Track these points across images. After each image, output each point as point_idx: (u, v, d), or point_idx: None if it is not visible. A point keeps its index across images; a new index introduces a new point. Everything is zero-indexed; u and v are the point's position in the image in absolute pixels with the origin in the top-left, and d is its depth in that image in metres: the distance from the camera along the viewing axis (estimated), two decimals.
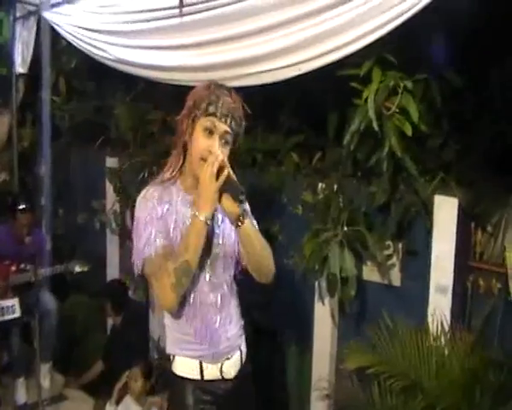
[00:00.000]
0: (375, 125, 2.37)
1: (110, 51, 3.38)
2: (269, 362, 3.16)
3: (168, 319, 1.94)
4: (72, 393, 3.98)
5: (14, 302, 3.48)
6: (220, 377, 1.95)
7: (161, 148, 3.60)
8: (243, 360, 2.02)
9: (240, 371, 2.00)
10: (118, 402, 3.43)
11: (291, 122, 3.23)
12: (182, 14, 2.80)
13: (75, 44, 3.74)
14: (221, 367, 1.94)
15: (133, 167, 3.76)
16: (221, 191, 1.74)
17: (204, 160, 1.76)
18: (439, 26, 2.47)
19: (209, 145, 1.78)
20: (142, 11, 3.07)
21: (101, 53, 3.48)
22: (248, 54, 2.61)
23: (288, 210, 3.06)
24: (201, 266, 1.87)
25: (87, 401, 3.88)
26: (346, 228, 2.62)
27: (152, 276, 1.79)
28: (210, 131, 1.79)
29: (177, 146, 1.89)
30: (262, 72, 2.60)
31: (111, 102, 4.12)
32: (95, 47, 3.52)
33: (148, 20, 3.04)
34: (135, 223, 1.84)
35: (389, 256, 2.67)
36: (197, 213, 1.74)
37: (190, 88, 2.89)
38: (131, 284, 3.70)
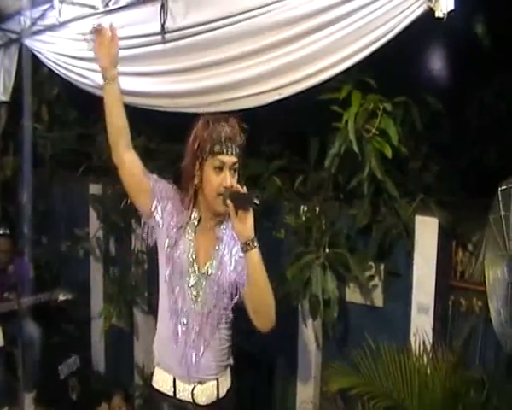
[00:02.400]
0: (355, 147, 2.40)
1: (92, 78, 3.39)
2: (253, 385, 3.14)
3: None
4: None
5: None
6: (191, 400, 2.00)
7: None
8: (220, 391, 2.04)
9: (215, 402, 2.03)
10: None
11: (273, 147, 3.26)
12: (164, 41, 2.83)
13: (57, 72, 3.76)
14: (192, 390, 2.00)
15: (116, 194, 3.75)
16: (236, 208, 1.80)
17: (220, 194, 1.88)
18: (418, 49, 2.53)
19: (222, 181, 1.89)
20: (123, 38, 3.10)
21: (83, 80, 3.49)
22: (229, 79, 2.64)
23: (271, 234, 3.07)
24: (186, 277, 1.98)
25: None
26: (328, 250, 2.64)
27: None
28: (219, 168, 1.89)
29: (186, 189, 1.99)
30: (243, 97, 2.62)
31: (93, 129, 4.13)
32: (77, 74, 3.53)
33: (129, 47, 3.07)
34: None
35: (371, 277, 2.68)
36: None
37: (173, 114, 2.94)
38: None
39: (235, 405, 2.14)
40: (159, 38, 2.86)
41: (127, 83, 3.18)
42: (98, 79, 3.36)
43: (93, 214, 4.16)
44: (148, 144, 3.70)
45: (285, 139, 3.23)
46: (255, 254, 1.84)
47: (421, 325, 2.48)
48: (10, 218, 4.52)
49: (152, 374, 2.11)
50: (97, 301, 4.22)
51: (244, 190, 1.85)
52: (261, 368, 3.18)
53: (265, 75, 2.51)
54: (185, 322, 1.98)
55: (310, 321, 2.81)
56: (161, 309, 2.05)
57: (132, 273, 3.79)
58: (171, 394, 2.02)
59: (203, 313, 1.99)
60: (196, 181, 1.96)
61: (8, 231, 3.83)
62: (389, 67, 2.46)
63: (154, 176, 2.09)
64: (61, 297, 3.86)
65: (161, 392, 2.04)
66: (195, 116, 2.89)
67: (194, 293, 1.99)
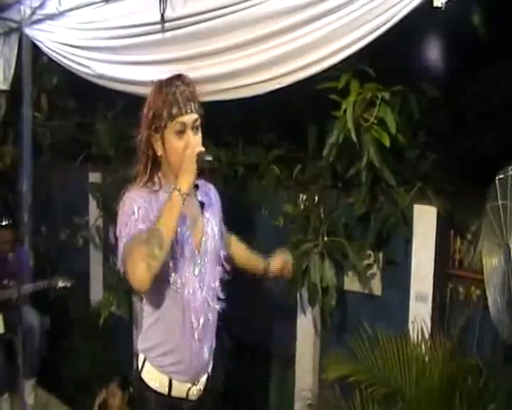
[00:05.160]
0: (353, 136, 2.41)
1: (92, 67, 3.40)
2: (252, 374, 3.16)
3: (150, 324, 1.95)
4: (57, 409, 3.94)
5: None
6: (184, 397, 1.98)
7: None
8: (208, 382, 2.04)
9: (203, 394, 2.03)
10: None
11: (271, 136, 3.27)
12: (163, 30, 2.83)
13: (57, 61, 3.76)
14: (188, 390, 1.97)
15: (116, 183, 3.76)
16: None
17: None
18: (416, 38, 2.54)
19: (185, 144, 1.81)
20: (123, 27, 3.10)
21: (83, 69, 3.49)
22: (228, 68, 2.64)
23: (269, 223, 3.08)
24: (189, 263, 1.89)
25: None
26: (326, 238, 2.65)
27: (126, 257, 1.72)
28: (181, 131, 1.82)
29: (145, 166, 1.91)
30: (242, 86, 2.63)
31: (93, 118, 4.13)
32: (77, 63, 3.54)
33: (129, 36, 3.07)
34: (119, 219, 1.82)
35: (369, 266, 2.69)
36: (176, 187, 1.74)
37: None
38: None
39: (214, 392, 2.13)
40: (158, 27, 2.86)
41: (126, 72, 3.20)
42: (98, 67, 3.38)
43: (93, 203, 4.16)
44: None
45: (283, 128, 3.24)
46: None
47: (419, 313, 2.49)
48: (10, 206, 4.54)
49: (141, 367, 1.98)
50: (97, 290, 4.24)
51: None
52: (259, 356, 3.20)
53: (265, 64, 2.52)
54: (195, 317, 1.92)
55: (308, 309, 2.83)
56: (159, 296, 1.91)
57: None
58: (164, 393, 1.95)
59: (207, 298, 1.96)
60: (160, 152, 1.86)
61: (10, 222, 3.84)
62: (386, 55, 2.47)
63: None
64: (61, 284, 3.87)
65: (153, 389, 1.95)
66: None
67: (200, 279, 1.92)
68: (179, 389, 1.95)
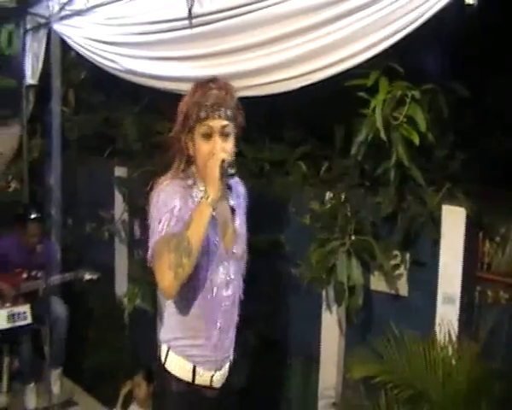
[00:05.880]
0: (382, 134, 2.38)
1: (120, 62, 3.43)
2: (275, 371, 3.16)
3: (174, 314, 1.95)
4: (81, 399, 4.01)
5: (25, 309, 3.53)
6: (208, 385, 1.99)
7: (169, 158, 3.64)
8: (231, 371, 2.06)
9: (226, 383, 2.04)
10: (123, 408, 3.46)
11: (298, 132, 3.25)
12: (191, 26, 2.84)
13: (85, 56, 3.80)
14: (212, 376, 1.98)
15: (142, 177, 3.79)
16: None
17: None
18: (446, 36, 2.49)
19: (211, 148, 1.80)
20: (151, 23, 3.12)
21: (110, 64, 3.52)
22: (257, 65, 2.64)
23: (295, 220, 3.07)
24: (217, 265, 1.90)
25: (96, 407, 3.91)
26: (353, 237, 2.63)
27: (155, 259, 1.74)
28: (208, 135, 1.81)
29: (178, 163, 1.90)
30: (271, 82, 2.62)
31: (119, 113, 4.16)
32: (104, 58, 3.57)
33: (156, 32, 3.09)
34: (152, 212, 1.82)
35: (396, 266, 2.66)
36: (205, 196, 1.75)
37: None
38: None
39: (237, 380, 2.14)
40: (185, 22, 2.87)
41: (153, 67, 3.22)
42: (125, 63, 3.41)
43: (118, 197, 4.20)
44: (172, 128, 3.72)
45: (309, 125, 3.22)
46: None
47: (447, 315, 2.46)
48: (38, 199, 4.61)
49: (164, 357, 1.99)
50: (122, 283, 4.28)
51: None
52: (283, 354, 3.20)
53: (294, 60, 2.51)
54: (223, 294, 1.94)
55: (333, 308, 2.81)
56: (188, 295, 1.92)
57: None
58: (189, 380, 1.95)
59: (236, 279, 1.99)
60: (191, 152, 1.86)
61: (39, 215, 3.90)
62: (415, 53, 2.43)
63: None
64: (87, 277, 3.93)
65: (177, 377, 1.95)
66: None
67: (228, 278, 1.94)
68: (203, 377, 1.96)
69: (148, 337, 3.15)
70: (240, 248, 2.00)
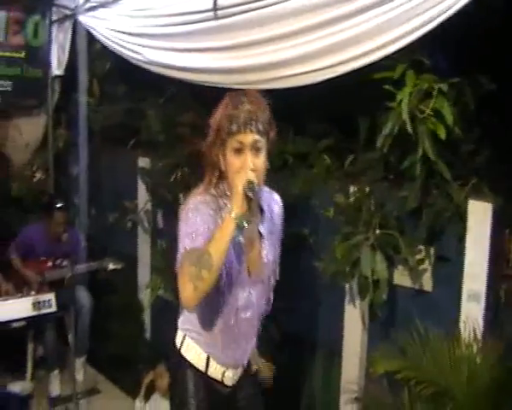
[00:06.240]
0: (409, 128, 2.36)
1: (144, 54, 3.44)
2: (297, 365, 3.16)
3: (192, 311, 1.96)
4: (104, 387, 4.06)
5: (50, 297, 3.56)
6: (220, 380, 2.02)
7: (192, 149, 3.65)
8: (244, 375, 2.09)
9: (239, 384, 2.07)
10: (146, 398, 3.49)
11: (321, 125, 3.23)
12: (216, 18, 2.83)
13: (110, 47, 3.82)
14: (223, 373, 2.01)
15: (165, 168, 3.81)
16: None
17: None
18: (473, 29, 2.45)
19: (241, 163, 1.76)
20: (176, 14, 3.12)
21: (135, 55, 3.54)
22: (283, 56, 2.62)
23: (318, 213, 3.06)
24: (239, 289, 1.90)
25: (119, 396, 3.96)
26: (377, 231, 2.61)
27: (179, 270, 1.75)
28: (239, 149, 1.77)
29: (209, 170, 1.87)
30: (297, 74, 2.61)
31: (143, 104, 4.18)
32: (129, 50, 3.59)
33: (181, 24, 3.09)
34: (181, 223, 1.82)
35: (421, 261, 2.64)
36: (229, 211, 1.73)
37: (223, 90, 2.94)
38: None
39: (252, 381, 2.16)
40: (210, 14, 2.87)
41: (178, 58, 3.22)
42: (149, 54, 3.42)
43: (141, 187, 4.23)
44: (196, 120, 3.73)
45: (333, 118, 3.20)
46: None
47: (472, 312, 2.43)
48: (63, 189, 4.66)
49: (180, 343, 2.03)
50: (144, 273, 4.31)
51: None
52: (305, 348, 3.20)
53: (319, 53, 2.50)
54: (242, 316, 1.95)
55: (357, 302, 2.80)
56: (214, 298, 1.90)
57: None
58: (202, 370, 2.00)
59: (258, 304, 2.00)
60: (221, 166, 1.82)
61: (65, 204, 3.95)
62: (441, 46, 2.40)
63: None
64: (111, 266, 3.96)
65: (192, 364, 2.00)
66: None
67: (248, 303, 1.95)
68: (215, 370, 2.00)
69: (171, 328, 3.17)
70: (265, 274, 1.97)
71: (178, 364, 2.04)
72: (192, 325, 2.01)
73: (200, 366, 1.99)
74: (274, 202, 2.04)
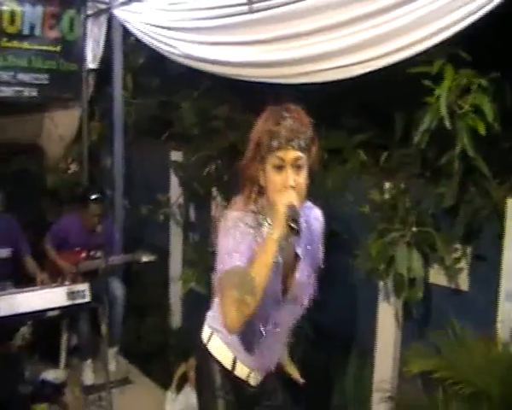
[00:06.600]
0: (447, 123, 2.32)
1: (179, 47, 3.45)
2: (329, 362, 3.15)
3: None
4: (136, 378, 4.10)
5: (84, 287, 3.59)
6: (245, 380, 2.02)
7: (226, 143, 3.66)
8: (270, 378, 2.09)
9: (265, 386, 2.07)
10: (178, 390, 3.52)
11: (356, 119, 3.19)
12: (252, 11, 2.82)
13: (144, 41, 3.85)
14: (248, 374, 2.01)
15: (198, 162, 3.82)
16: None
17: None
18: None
19: (283, 180, 1.72)
20: (210, 8, 3.12)
21: (170, 49, 3.56)
22: (318, 50, 2.60)
23: (351, 209, 3.03)
24: (270, 308, 1.87)
25: (151, 387, 4.00)
26: (414, 229, 2.57)
27: (222, 290, 1.71)
28: (280, 166, 1.72)
29: (248, 185, 1.83)
30: (333, 68, 2.59)
31: (176, 97, 4.20)
32: (164, 43, 3.61)
33: (217, 17, 3.09)
34: (221, 239, 1.79)
35: (457, 260, 2.59)
36: (271, 232, 1.70)
37: (258, 84, 2.93)
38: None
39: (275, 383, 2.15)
40: (245, 8, 2.86)
41: (212, 52, 3.22)
42: (184, 48, 3.43)
43: (174, 181, 4.25)
44: (231, 114, 3.74)
45: (367, 113, 3.16)
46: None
47: (509, 312, 2.38)
48: (97, 181, 4.73)
49: (207, 339, 2.04)
50: (176, 266, 4.35)
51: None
52: (337, 345, 3.18)
53: (357, 46, 2.47)
54: (272, 331, 1.93)
55: (391, 300, 2.77)
56: None
57: (211, 240, 3.87)
58: (228, 368, 1.99)
59: (289, 320, 2.00)
60: (261, 181, 1.78)
61: (100, 196, 4.00)
62: (479, 40, 2.34)
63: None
64: (144, 259, 3.99)
65: (218, 361, 2.00)
66: (281, 87, 2.92)
67: (279, 321, 1.93)
68: (241, 371, 2.00)
69: (203, 320, 3.19)
70: (299, 294, 1.94)
71: (204, 357, 2.05)
72: (221, 327, 1.96)
73: (227, 364, 1.99)
74: (314, 219, 2.00)
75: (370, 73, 2.47)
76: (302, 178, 1.74)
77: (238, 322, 1.67)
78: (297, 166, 1.73)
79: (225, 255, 1.73)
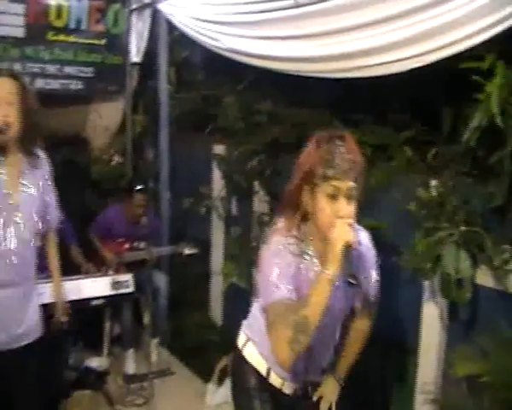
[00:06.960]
0: (498, 121, 2.25)
1: (223, 41, 3.45)
2: (371, 362, 3.10)
3: (262, 323, 1.87)
4: (177, 369, 4.15)
5: (128, 278, 3.65)
6: (279, 388, 2.03)
7: (269, 138, 3.65)
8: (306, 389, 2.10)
9: (299, 395, 2.07)
10: (219, 382, 3.55)
11: (403, 116, 3.13)
12: (298, 5, 2.79)
13: (189, 35, 3.86)
14: (282, 383, 2.02)
15: (241, 156, 3.83)
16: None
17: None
18: None
19: (336, 210, 1.70)
20: (255, 2, 3.11)
21: (214, 43, 3.56)
22: (366, 45, 2.56)
23: (395, 207, 2.97)
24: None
25: (191, 378, 4.04)
26: (462, 228, 2.51)
27: (271, 323, 1.71)
28: (334, 196, 1.70)
29: (292, 211, 1.81)
30: (381, 63, 2.54)
31: (219, 91, 4.21)
32: (208, 37, 3.62)
33: (262, 11, 3.08)
34: (265, 266, 1.78)
35: (506, 261, 2.52)
36: (324, 269, 1.66)
37: (302, 79, 2.90)
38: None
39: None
40: (291, 2, 2.84)
41: (257, 46, 3.21)
42: (228, 41, 3.42)
43: (216, 174, 4.27)
44: (274, 108, 3.72)
45: (414, 109, 3.09)
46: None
47: None
48: (140, 173, 4.79)
49: (242, 345, 2.07)
50: (218, 259, 4.37)
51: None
52: (380, 344, 3.13)
53: (406, 41, 2.42)
54: (308, 354, 1.90)
55: (437, 300, 2.71)
56: None
57: (253, 235, 3.87)
58: (263, 375, 2.02)
59: (326, 342, 2.02)
60: (310, 209, 1.76)
61: (144, 187, 4.05)
62: None
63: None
64: (187, 251, 4.03)
65: (253, 367, 2.03)
66: (326, 84, 2.88)
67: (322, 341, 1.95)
68: (275, 380, 2.02)
69: (244, 315, 3.21)
70: (331, 321, 1.92)
71: (239, 360, 2.08)
72: (257, 338, 2.01)
73: (262, 372, 2.02)
74: (366, 249, 1.98)
75: (418, 68, 2.42)
76: (352, 209, 1.73)
77: (291, 360, 1.68)
78: (349, 197, 1.71)
79: (271, 285, 1.72)
